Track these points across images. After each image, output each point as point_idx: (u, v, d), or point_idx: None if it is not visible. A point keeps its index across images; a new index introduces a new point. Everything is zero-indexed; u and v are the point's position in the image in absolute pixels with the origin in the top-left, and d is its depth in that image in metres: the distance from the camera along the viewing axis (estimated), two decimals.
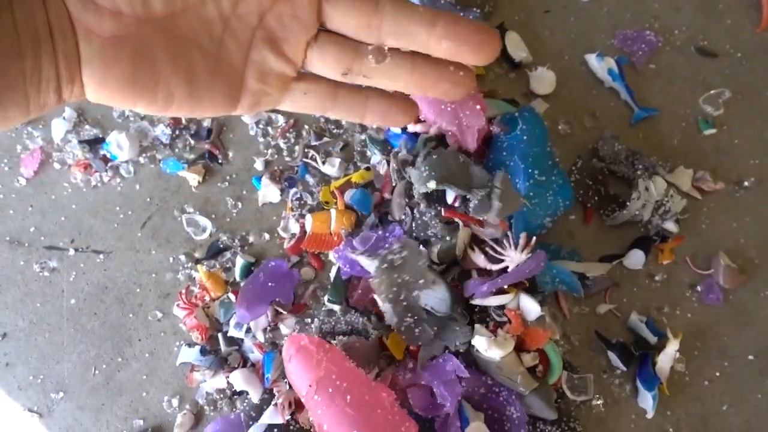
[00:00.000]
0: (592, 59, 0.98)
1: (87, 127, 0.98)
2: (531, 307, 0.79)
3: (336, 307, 0.83)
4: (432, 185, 0.81)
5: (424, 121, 0.89)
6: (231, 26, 0.42)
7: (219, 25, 0.42)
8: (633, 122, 0.96)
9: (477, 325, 0.79)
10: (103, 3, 0.38)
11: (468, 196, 0.82)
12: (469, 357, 0.80)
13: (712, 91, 0.97)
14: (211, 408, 0.85)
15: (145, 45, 0.40)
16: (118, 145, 0.95)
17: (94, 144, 0.97)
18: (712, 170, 0.93)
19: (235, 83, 0.43)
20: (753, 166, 0.94)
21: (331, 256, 0.89)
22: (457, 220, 0.82)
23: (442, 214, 0.83)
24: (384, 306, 0.79)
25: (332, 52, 0.44)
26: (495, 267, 0.80)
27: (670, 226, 0.89)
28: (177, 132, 0.98)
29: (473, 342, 0.78)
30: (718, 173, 0.93)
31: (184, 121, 0.98)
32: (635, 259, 0.88)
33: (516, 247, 0.79)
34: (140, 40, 0.40)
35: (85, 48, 0.39)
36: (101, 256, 0.93)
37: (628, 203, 0.87)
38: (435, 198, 0.85)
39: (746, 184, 0.93)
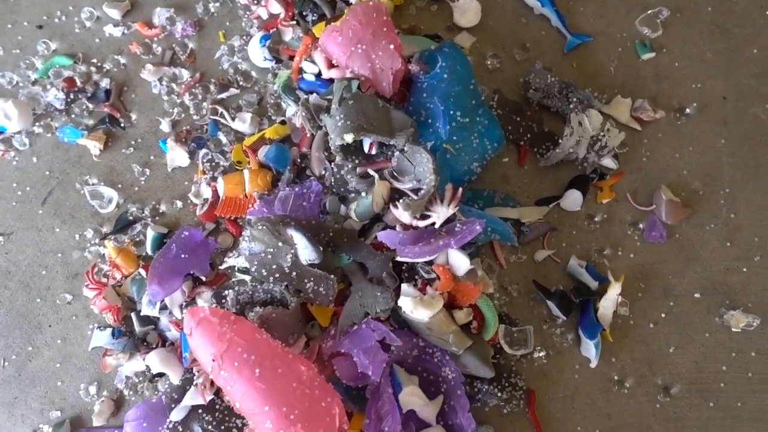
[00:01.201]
0: None
1: None
2: (460, 262, 0.73)
3: (246, 278, 0.77)
4: (349, 138, 0.74)
5: (338, 66, 0.82)
6: None
7: None
8: (566, 51, 0.89)
9: (403, 285, 0.73)
10: None
11: (391, 142, 0.75)
12: (399, 317, 0.75)
13: (649, 11, 0.90)
14: (132, 392, 0.80)
15: None
16: (6, 115, 0.86)
17: None
18: (652, 98, 0.87)
19: None
20: (695, 91, 0.88)
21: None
22: (371, 173, 0.76)
23: (358, 169, 0.76)
24: (277, 288, 0.73)
25: None
26: (421, 223, 0.74)
27: (608, 162, 0.83)
28: (72, 96, 0.89)
29: (399, 303, 0.72)
30: (659, 101, 0.87)
31: (78, 83, 0.89)
32: (573, 200, 0.83)
33: (442, 201, 0.73)
34: None
35: None
36: (1, 238, 0.85)
37: (560, 140, 0.80)
38: (352, 150, 0.78)
39: (688, 111, 0.86)
